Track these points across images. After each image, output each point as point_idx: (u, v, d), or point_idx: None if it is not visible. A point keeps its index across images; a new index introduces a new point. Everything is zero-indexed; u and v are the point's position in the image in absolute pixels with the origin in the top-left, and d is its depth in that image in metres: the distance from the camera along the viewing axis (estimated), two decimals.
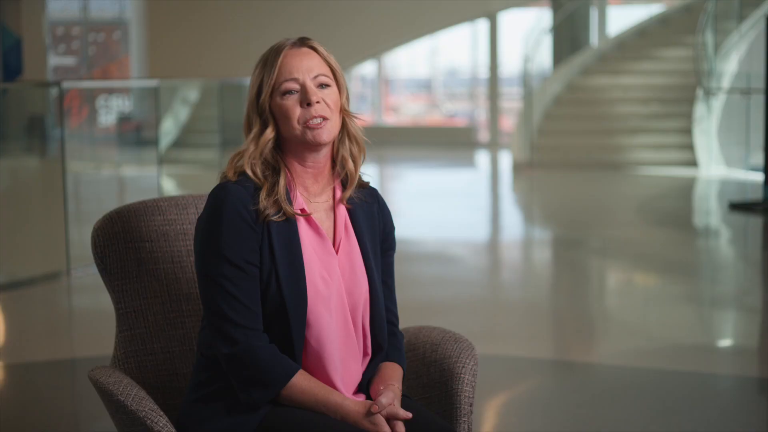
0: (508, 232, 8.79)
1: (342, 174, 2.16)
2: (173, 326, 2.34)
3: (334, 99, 2.10)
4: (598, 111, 13.84)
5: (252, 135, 2.10)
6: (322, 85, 2.10)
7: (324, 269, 2.09)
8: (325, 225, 2.14)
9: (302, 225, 2.10)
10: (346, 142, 2.15)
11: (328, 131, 2.09)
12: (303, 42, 2.12)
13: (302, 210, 2.10)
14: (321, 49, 2.13)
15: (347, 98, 2.16)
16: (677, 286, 6.27)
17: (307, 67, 2.09)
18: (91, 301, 6.05)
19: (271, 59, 2.09)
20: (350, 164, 2.15)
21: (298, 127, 2.08)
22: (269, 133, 2.09)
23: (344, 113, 2.14)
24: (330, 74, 2.12)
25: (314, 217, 2.12)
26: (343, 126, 2.14)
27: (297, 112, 2.07)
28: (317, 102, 2.07)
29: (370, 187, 2.22)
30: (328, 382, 2.08)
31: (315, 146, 2.09)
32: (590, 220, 9.09)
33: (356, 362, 2.12)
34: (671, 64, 14.15)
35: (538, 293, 6.22)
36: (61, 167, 6.79)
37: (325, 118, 2.08)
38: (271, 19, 16.60)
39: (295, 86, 2.08)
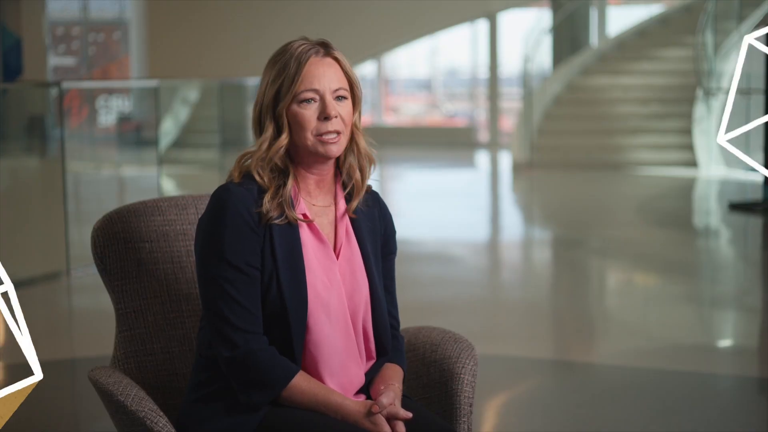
0: (508, 232, 8.79)
1: (349, 184, 2.15)
2: (173, 326, 2.35)
3: (347, 113, 2.10)
4: (598, 111, 13.84)
5: (263, 138, 2.08)
6: (340, 98, 2.09)
7: (324, 275, 2.09)
8: (326, 230, 2.13)
9: (304, 230, 2.10)
10: (355, 153, 2.14)
11: (340, 146, 2.08)
12: (327, 51, 2.10)
13: (304, 215, 2.10)
14: (343, 60, 2.11)
15: (360, 114, 2.15)
16: (677, 286, 6.26)
17: (329, 80, 2.08)
18: (91, 301, 6.05)
19: (293, 65, 2.06)
20: (358, 174, 2.14)
21: (311, 138, 2.07)
22: (283, 140, 2.07)
23: (355, 131, 2.13)
24: (348, 87, 2.11)
25: (315, 222, 2.11)
26: (353, 139, 2.13)
27: (313, 123, 2.07)
28: (335, 117, 2.07)
29: (372, 191, 2.21)
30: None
31: (324, 158, 2.09)
32: (590, 220, 9.09)
33: (357, 366, 2.12)
34: (671, 64, 14.14)
35: (538, 293, 6.22)
36: (61, 167, 6.79)
37: (338, 133, 2.07)
38: (271, 19, 16.59)
39: (315, 96, 2.07)
